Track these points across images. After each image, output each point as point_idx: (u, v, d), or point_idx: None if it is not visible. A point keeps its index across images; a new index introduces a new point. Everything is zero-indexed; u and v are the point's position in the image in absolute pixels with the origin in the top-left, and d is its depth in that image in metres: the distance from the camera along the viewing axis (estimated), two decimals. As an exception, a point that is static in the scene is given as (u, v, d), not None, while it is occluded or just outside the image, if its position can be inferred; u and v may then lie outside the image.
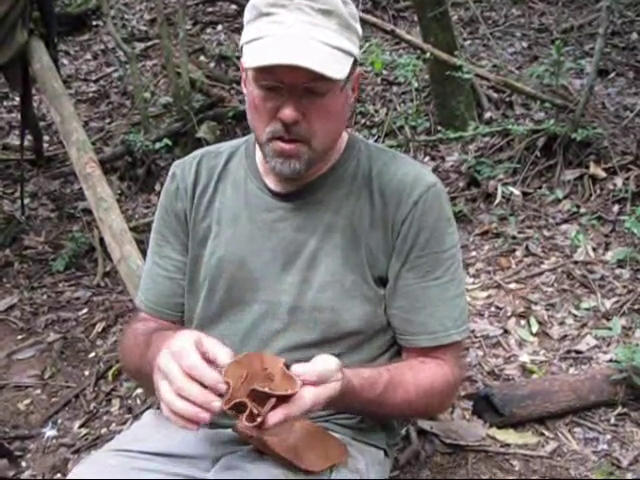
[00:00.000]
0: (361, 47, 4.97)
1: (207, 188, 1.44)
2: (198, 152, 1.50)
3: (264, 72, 1.19)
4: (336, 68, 1.18)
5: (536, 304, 2.63)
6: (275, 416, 1.02)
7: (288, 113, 1.20)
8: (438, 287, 1.34)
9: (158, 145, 4.15)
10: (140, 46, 5.90)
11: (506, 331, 2.48)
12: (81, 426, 2.32)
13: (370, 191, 1.35)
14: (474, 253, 3.06)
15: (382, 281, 1.36)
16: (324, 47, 1.18)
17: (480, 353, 2.35)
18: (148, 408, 2.24)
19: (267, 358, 1.11)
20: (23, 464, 2.15)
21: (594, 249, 2.93)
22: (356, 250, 1.33)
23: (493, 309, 2.63)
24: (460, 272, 1.38)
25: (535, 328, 2.48)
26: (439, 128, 3.84)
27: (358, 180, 1.36)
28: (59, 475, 2.06)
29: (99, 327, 2.95)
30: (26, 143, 4.18)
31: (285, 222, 1.36)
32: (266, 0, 1.20)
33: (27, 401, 2.50)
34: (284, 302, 1.34)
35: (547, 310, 2.59)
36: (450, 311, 1.35)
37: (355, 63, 1.26)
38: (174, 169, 1.49)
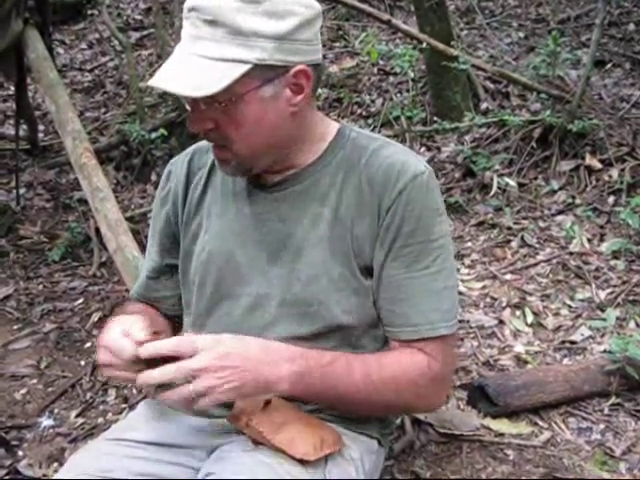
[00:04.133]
0: (357, 37, 4.97)
1: (198, 184, 1.44)
2: (191, 149, 1.50)
3: None
4: (208, 83, 1.14)
5: (531, 295, 2.64)
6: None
7: (191, 125, 1.24)
8: (424, 278, 1.29)
9: (154, 135, 4.13)
10: (135, 35, 5.88)
11: (501, 322, 2.49)
12: (77, 416, 2.32)
13: (358, 180, 1.32)
14: (469, 244, 3.07)
15: (368, 271, 1.32)
16: (198, 61, 1.16)
17: (475, 343, 2.36)
18: (144, 398, 2.25)
19: None
20: (20, 453, 2.15)
21: (589, 240, 2.94)
22: (343, 241, 1.31)
23: (488, 300, 2.64)
24: (450, 264, 1.33)
25: (530, 319, 2.49)
26: (435, 119, 3.84)
27: (346, 169, 1.33)
28: (56, 464, 2.06)
29: (95, 317, 2.95)
30: (21, 133, 4.16)
31: (270, 213, 1.34)
32: (184, 12, 1.21)
33: (23, 391, 2.50)
34: (272, 295, 1.33)
35: (542, 301, 2.60)
36: (437, 303, 1.29)
37: (269, 67, 1.18)
38: (169, 167, 1.50)
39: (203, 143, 1.48)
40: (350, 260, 1.31)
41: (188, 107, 1.26)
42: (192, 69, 1.16)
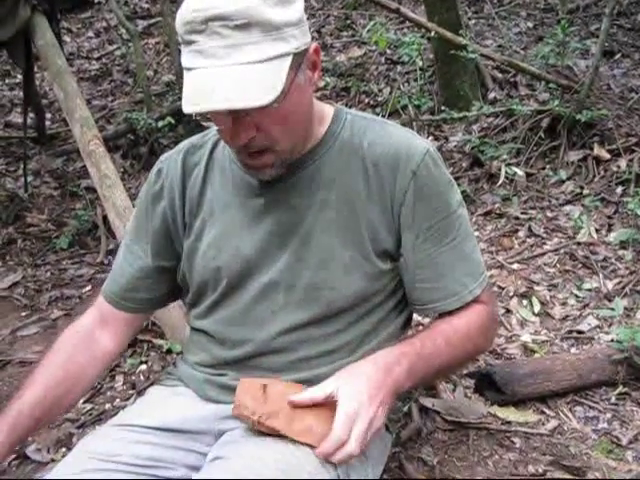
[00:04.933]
0: (365, 26, 4.94)
1: (196, 181, 1.41)
2: (183, 145, 1.46)
3: None
4: (265, 88, 1.11)
5: (538, 284, 2.64)
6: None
7: (239, 138, 1.19)
8: (454, 248, 1.34)
9: (161, 123, 4.13)
10: (143, 24, 5.88)
11: (508, 311, 2.50)
12: (85, 401, 2.33)
13: (363, 163, 1.32)
14: (477, 233, 3.06)
15: (387, 254, 1.34)
16: (248, 69, 1.11)
17: (482, 332, 2.36)
18: (152, 384, 2.26)
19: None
20: (28, 438, 2.17)
21: (597, 230, 2.93)
22: (354, 225, 1.31)
23: (495, 289, 2.63)
24: (468, 228, 1.38)
25: (537, 308, 2.49)
26: (443, 108, 3.83)
27: (348, 153, 1.33)
28: (64, 449, 2.07)
29: (102, 304, 2.97)
30: (28, 121, 4.17)
31: (276, 203, 1.33)
32: (184, 27, 1.13)
33: (31, 377, 2.51)
34: (281, 282, 1.33)
35: (549, 290, 2.60)
36: (466, 268, 1.36)
37: (300, 53, 1.18)
38: (160, 165, 1.45)
39: (195, 139, 1.46)
40: (363, 244, 1.32)
41: (216, 124, 1.21)
42: (245, 79, 1.10)
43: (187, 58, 1.15)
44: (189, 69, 1.14)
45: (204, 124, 4.10)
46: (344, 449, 1.14)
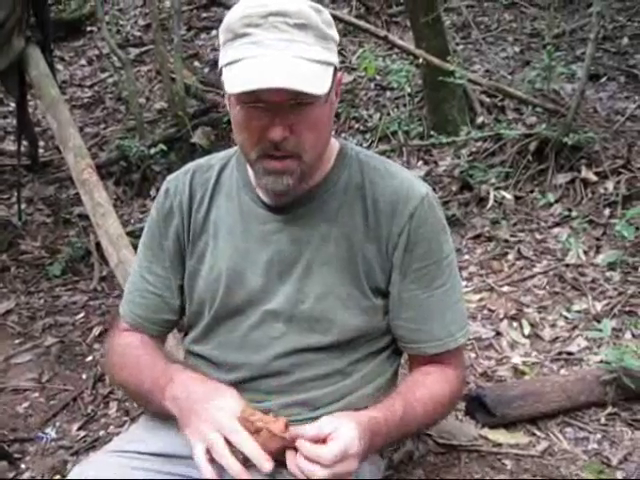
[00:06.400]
0: (354, 53, 4.99)
1: (202, 203, 1.43)
2: (189, 166, 1.48)
3: (247, 94, 1.17)
4: (318, 82, 1.17)
5: (528, 306, 2.66)
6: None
7: (276, 132, 1.20)
8: (441, 295, 1.37)
9: (153, 150, 4.16)
10: (135, 52, 5.92)
11: (498, 333, 2.52)
12: (79, 428, 2.33)
13: (363, 201, 1.35)
14: (467, 257, 3.09)
15: (379, 291, 1.37)
16: (304, 63, 1.17)
17: (473, 355, 2.38)
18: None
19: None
20: (22, 466, 2.17)
21: (585, 252, 2.96)
22: (351, 261, 1.34)
23: (486, 312, 2.66)
24: (457, 276, 1.42)
25: (527, 330, 2.51)
26: (432, 133, 3.87)
27: (351, 190, 1.36)
28: (58, 477, 2.08)
29: (96, 331, 2.97)
30: (22, 149, 4.19)
31: (280, 234, 1.36)
32: (240, 21, 1.18)
33: (25, 404, 2.51)
34: (280, 312, 1.36)
35: (539, 312, 2.62)
36: (454, 316, 1.39)
37: (335, 70, 1.26)
38: (167, 185, 1.48)
39: (201, 161, 1.49)
40: (359, 280, 1.35)
41: (248, 120, 1.22)
42: (303, 71, 1.16)
43: (237, 50, 1.19)
44: (238, 60, 1.18)
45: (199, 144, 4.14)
46: (313, 467, 1.13)
